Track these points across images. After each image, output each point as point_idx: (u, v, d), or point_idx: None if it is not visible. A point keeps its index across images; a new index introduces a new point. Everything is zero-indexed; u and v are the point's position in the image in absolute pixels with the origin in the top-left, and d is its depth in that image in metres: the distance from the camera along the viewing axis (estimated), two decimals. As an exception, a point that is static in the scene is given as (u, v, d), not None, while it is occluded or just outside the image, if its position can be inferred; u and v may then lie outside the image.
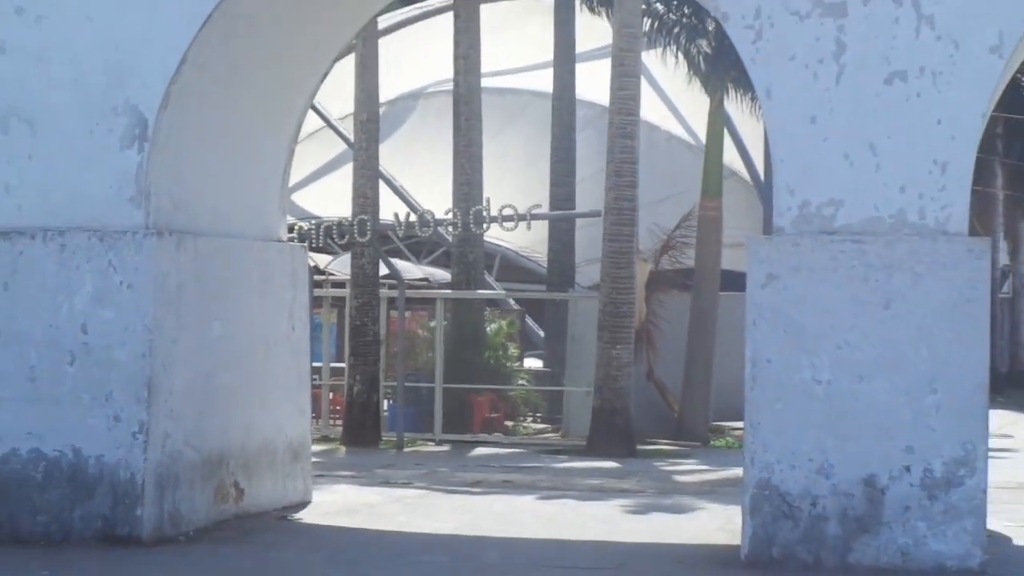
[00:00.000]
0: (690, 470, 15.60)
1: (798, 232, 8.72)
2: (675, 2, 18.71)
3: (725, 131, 20.09)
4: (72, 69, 9.31)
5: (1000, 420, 20.63)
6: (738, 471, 13.23)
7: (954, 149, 8.67)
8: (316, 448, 13.14)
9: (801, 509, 8.60)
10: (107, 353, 9.01)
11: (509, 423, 19.17)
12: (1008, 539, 10.16)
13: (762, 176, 22.56)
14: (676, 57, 19.25)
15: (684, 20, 18.93)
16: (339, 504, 11.62)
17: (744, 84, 17.52)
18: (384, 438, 17.47)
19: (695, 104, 20.98)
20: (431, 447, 17.90)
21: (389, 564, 8.84)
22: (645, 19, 18.07)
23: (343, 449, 17.11)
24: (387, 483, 13.42)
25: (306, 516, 10.78)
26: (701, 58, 19.04)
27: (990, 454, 9.10)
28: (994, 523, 9.57)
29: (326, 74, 12.24)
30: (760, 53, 8.74)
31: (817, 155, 8.75)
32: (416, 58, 23.21)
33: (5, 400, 9.07)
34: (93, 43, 9.29)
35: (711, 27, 18.03)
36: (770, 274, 8.74)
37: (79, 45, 9.35)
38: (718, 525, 10.86)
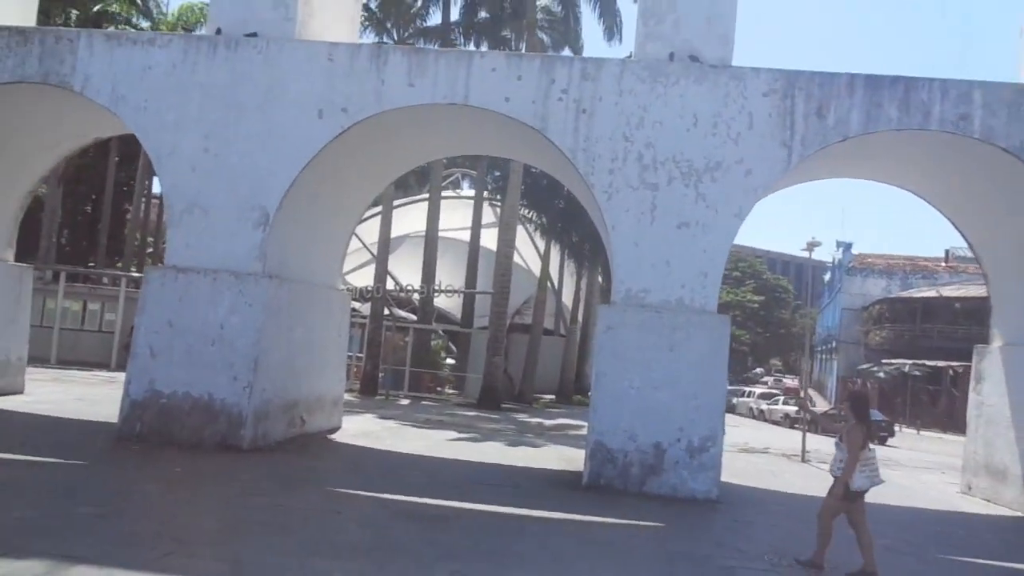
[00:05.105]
0: (528, 420, 24.61)
1: (624, 305, 12.36)
2: (527, 201, 32.67)
3: (549, 267, 35.91)
4: (230, 183, 12.85)
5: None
6: (552, 421, 23.06)
7: (711, 266, 12.45)
8: (347, 396, 19.20)
9: (618, 458, 11.90)
10: (233, 341, 12.46)
11: (439, 389, 31.94)
12: (728, 483, 13.11)
13: (558, 287, 40.33)
14: (526, 230, 36.52)
15: (531, 215, 34.82)
16: (357, 429, 16.50)
17: (559, 242, 35.71)
18: (380, 392, 28.42)
19: (532, 255, 38.11)
20: (402, 399, 27.92)
21: (382, 471, 12.62)
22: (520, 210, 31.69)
23: (359, 397, 26.50)
24: (382, 417, 20.11)
25: (338, 437, 15.06)
26: (540, 228, 35.62)
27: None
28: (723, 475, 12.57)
29: (362, 216, 17.02)
30: (610, 206, 12.44)
31: (637, 264, 12.40)
32: (407, 219, 37.20)
33: (175, 364, 12.43)
34: (243, 170, 12.59)
35: (543, 220, 34.72)
36: (609, 326, 12.38)
37: (235, 170, 12.82)
38: (557, 456, 15.27)
